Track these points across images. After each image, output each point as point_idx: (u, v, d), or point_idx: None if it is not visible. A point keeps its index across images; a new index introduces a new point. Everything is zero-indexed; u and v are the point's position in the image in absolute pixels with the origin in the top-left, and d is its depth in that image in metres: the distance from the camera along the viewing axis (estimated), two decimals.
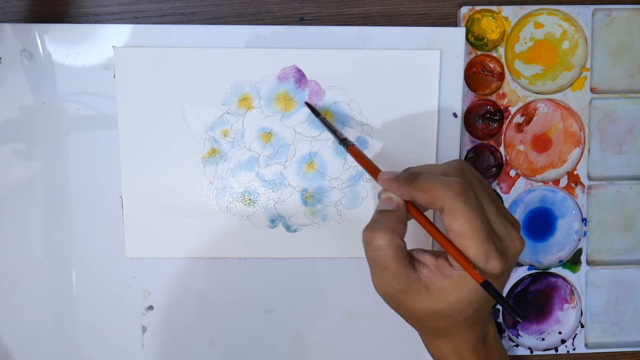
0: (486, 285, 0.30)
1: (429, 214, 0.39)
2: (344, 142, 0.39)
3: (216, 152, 0.43)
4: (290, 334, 0.45)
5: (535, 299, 0.47)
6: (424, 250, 0.34)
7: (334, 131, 0.40)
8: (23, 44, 0.41)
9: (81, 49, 0.42)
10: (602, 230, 0.47)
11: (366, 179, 0.44)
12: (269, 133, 0.43)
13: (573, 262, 0.46)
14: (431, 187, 0.32)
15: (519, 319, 0.30)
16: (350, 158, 0.43)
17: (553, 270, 0.46)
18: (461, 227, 0.31)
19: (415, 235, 0.38)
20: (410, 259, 0.34)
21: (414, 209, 0.34)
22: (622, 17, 0.45)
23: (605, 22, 0.45)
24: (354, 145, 0.39)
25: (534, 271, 0.46)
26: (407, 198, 0.34)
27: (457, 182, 0.31)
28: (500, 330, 0.46)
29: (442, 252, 0.34)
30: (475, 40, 0.44)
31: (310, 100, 0.43)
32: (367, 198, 0.44)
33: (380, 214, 0.34)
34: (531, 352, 0.47)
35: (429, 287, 0.33)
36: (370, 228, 0.33)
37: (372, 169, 0.37)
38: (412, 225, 0.34)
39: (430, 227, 0.33)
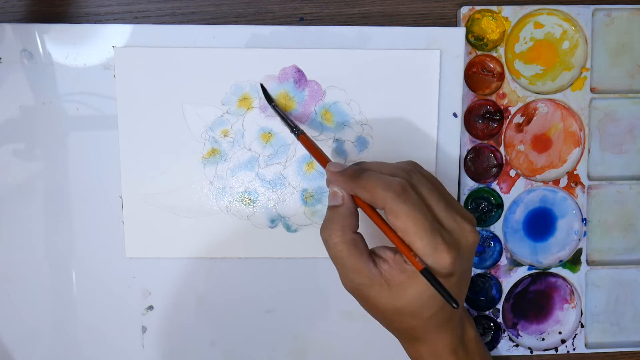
0: (425, 272, 0.31)
1: None
2: (295, 130, 0.40)
3: (216, 152, 0.43)
4: (290, 334, 0.45)
5: (535, 299, 0.47)
6: (386, 247, 0.35)
7: (285, 119, 0.41)
8: (23, 44, 0.41)
9: (81, 49, 0.42)
10: (602, 230, 0.47)
11: None
12: (269, 133, 0.43)
13: (573, 262, 0.46)
14: (373, 186, 0.33)
15: (454, 305, 0.31)
16: (350, 158, 0.43)
17: (553, 270, 0.46)
18: (403, 224, 0.32)
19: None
20: (372, 254, 0.34)
21: (360, 201, 0.35)
22: (622, 17, 0.45)
23: (605, 22, 0.45)
24: (304, 134, 0.39)
25: (534, 271, 0.46)
26: (351, 193, 0.35)
27: (397, 182, 0.32)
28: (500, 330, 0.46)
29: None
30: (475, 40, 0.44)
31: (310, 100, 0.43)
32: None
33: (330, 211, 0.35)
34: (531, 352, 0.47)
35: (389, 281, 0.33)
36: (323, 228, 0.35)
37: (322, 159, 0.37)
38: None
39: (377, 218, 0.34)
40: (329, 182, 0.36)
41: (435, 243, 0.32)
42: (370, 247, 0.35)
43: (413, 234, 0.32)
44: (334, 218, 0.34)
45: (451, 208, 0.34)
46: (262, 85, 0.42)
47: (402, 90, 0.43)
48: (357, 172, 0.34)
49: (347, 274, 0.34)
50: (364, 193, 0.33)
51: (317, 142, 0.40)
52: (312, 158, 0.40)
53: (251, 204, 0.43)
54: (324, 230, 0.35)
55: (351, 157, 0.43)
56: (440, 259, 0.32)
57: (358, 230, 0.35)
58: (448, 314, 0.35)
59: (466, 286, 0.36)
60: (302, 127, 0.42)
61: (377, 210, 0.34)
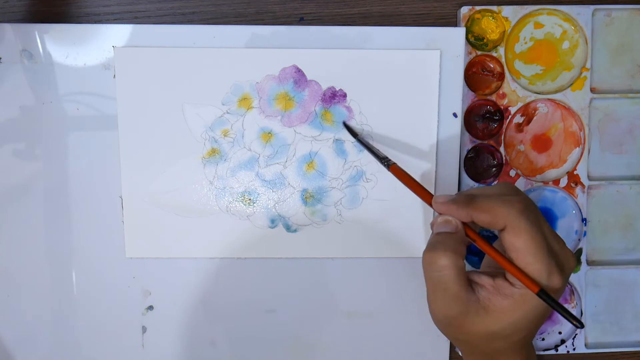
0: (543, 294, 0.30)
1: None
2: (384, 161, 0.39)
3: (216, 152, 0.43)
4: (290, 334, 0.45)
5: None
6: (480, 272, 0.34)
7: (373, 151, 0.40)
8: (23, 44, 0.41)
9: (81, 49, 0.42)
10: (602, 230, 0.47)
11: (366, 179, 0.44)
12: (269, 133, 0.43)
13: None
14: (492, 207, 0.32)
15: (578, 326, 0.30)
16: (350, 158, 0.43)
17: None
18: (524, 244, 0.31)
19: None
20: (468, 280, 0.33)
21: (471, 230, 0.34)
22: (622, 17, 0.45)
23: (605, 22, 0.45)
24: (395, 164, 0.38)
25: None
26: (465, 220, 0.33)
27: (518, 200, 0.32)
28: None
29: (499, 272, 0.33)
30: (475, 40, 0.44)
31: (310, 100, 0.43)
32: (367, 198, 0.44)
33: (440, 235, 0.34)
34: None
35: (488, 308, 0.32)
36: (432, 249, 0.33)
37: (420, 190, 0.36)
38: None
39: (488, 247, 0.33)
40: (437, 217, 0.35)
41: (550, 266, 0.31)
42: None
43: (532, 254, 0.31)
44: (447, 241, 0.33)
45: (552, 231, 0.34)
46: (344, 123, 0.42)
47: (402, 90, 0.43)
48: (470, 197, 0.33)
49: (445, 301, 0.33)
50: (483, 215, 0.32)
51: (317, 142, 0.39)
52: (313, 157, 0.40)
53: (251, 204, 0.43)
54: (434, 251, 0.33)
55: (351, 157, 0.43)
56: (553, 281, 0.31)
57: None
58: (531, 336, 0.35)
59: None
60: (302, 127, 0.42)
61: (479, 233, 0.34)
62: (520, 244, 0.31)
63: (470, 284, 0.33)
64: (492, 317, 0.32)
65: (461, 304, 0.33)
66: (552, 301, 0.30)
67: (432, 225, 0.35)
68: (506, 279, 0.33)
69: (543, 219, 0.33)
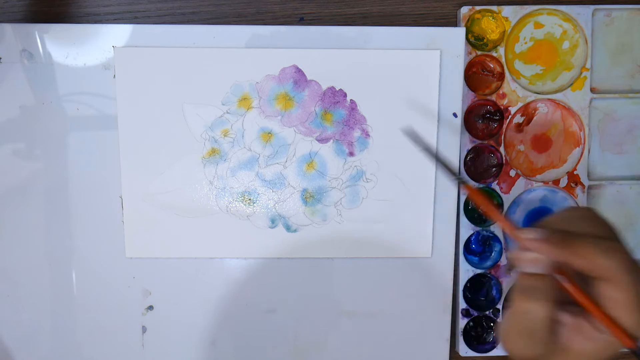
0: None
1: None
2: (457, 178, 0.35)
3: (216, 152, 0.43)
4: (290, 334, 0.45)
5: None
6: (559, 306, 0.31)
7: (445, 165, 0.35)
8: (23, 44, 0.41)
9: (81, 49, 0.42)
10: None
11: (366, 179, 0.44)
12: (269, 133, 0.43)
13: None
14: (592, 254, 0.29)
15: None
16: (350, 157, 0.43)
17: None
18: (625, 297, 0.29)
19: None
20: None
21: (567, 275, 0.30)
22: (622, 17, 0.45)
23: (605, 22, 0.45)
24: (466, 184, 0.34)
25: None
26: (558, 260, 0.30)
27: (619, 249, 0.29)
28: None
29: (577, 310, 0.31)
30: (475, 40, 0.44)
31: (310, 100, 0.43)
32: (367, 198, 0.44)
33: (533, 279, 0.30)
34: None
35: (568, 349, 0.30)
36: (527, 295, 0.29)
37: (503, 221, 0.33)
38: None
39: (582, 295, 0.30)
40: (521, 252, 0.31)
41: None
42: None
43: (632, 310, 0.28)
44: (542, 287, 0.29)
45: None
46: (406, 131, 0.38)
47: (402, 90, 0.43)
48: (566, 237, 0.30)
49: (528, 344, 0.30)
50: (579, 260, 0.29)
51: (317, 142, 0.39)
52: (313, 157, 0.38)
53: (251, 204, 0.43)
54: (529, 300, 0.29)
55: (351, 157, 0.43)
56: None
57: None
58: None
59: None
60: (302, 127, 0.42)
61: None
62: (620, 298, 0.29)
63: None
64: (569, 357, 0.30)
65: (543, 347, 0.30)
66: None
67: (513, 259, 0.31)
68: (588, 321, 0.30)
69: (630, 251, 0.31)
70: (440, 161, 0.35)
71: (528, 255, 0.30)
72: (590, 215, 0.32)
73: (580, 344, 0.30)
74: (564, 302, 0.31)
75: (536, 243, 0.30)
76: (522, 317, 0.30)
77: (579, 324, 0.30)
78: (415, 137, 0.37)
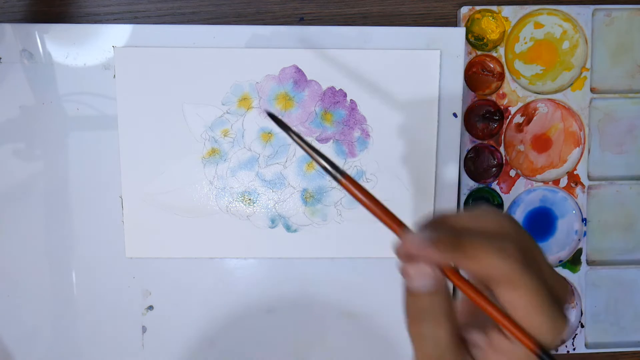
0: (545, 354, 0.26)
1: None
2: (335, 171, 0.29)
3: (216, 152, 0.43)
4: (290, 334, 0.45)
5: None
6: (469, 326, 0.29)
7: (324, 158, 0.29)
8: (23, 44, 0.41)
9: (81, 49, 0.42)
10: (602, 230, 0.47)
11: (366, 179, 0.44)
12: (269, 133, 0.43)
13: (573, 262, 0.46)
14: (484, 256, 0.25)
15: None
16: (350, 157, 0.43)
17: None
18: (525, 299, 0.25)
19: None
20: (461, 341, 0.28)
21: (458, 276, 0.27)
22: (622, 17, 0.45)
23: (605, 22, 0.45)
24: (347, 175, 0.29)
25: None
26: (447, 264, 0.26)
27: (514, 248, 0.26)
28: None
29: (488, 324, 0.28)
30: (475, 40, 0.44)
31: (310, 100, 0.43)
32: None
33: (425, 300, 0.27)
34: None
35: None
36: (420, 321, 0.27)
37: (388, 219, 0.29)
38: None
39: (479, 297, 0.26)
40: (407, 266, 0.27)
41: (554, 315, 0.26)
42: None
43: (536, 312, 0.26)
44: (435, 309, 0.26)
45: (551, 266, 0.28)
46: (269, 113, 0.30)
47: (402, 90, 0.43)
48: (456, 239, 0.26)
49: None
50: (472, 264, 0.25)
51: (317, 143, 0.39)
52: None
53: (251, 204, 0.43)
54: (421, 325, 0.26)
55: (351, 157, 0.43)
56: (557, 329, 0.26)
57: None
58: None
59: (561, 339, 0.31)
60: (303, 127, 0.42)
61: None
62: (519, 300, 0.26)
63: (463, 343, 0.28)
64: None
65: None
66: (549, 357, 0.26)
67: (397, 253, 0.28)
68: (501, 332, 0.27)
69: (540, 253, 0.28)
70: (305, 148, 0.28)
71: (413, 270, 0.27)
72: (490, 213, 0.28)
73: (496, 359, 0.27)
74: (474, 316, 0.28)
75: (423, 250, 0.26)
76: (423, 345, 0.27)
77: (493, 340, 0.27)
78: (281, 124, 0.29)
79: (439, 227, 0.28)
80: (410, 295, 0.27)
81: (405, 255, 0.27)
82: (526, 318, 0.26)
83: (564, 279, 0.29)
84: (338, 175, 0.29)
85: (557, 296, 0.26)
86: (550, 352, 0.26)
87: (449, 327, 0.26)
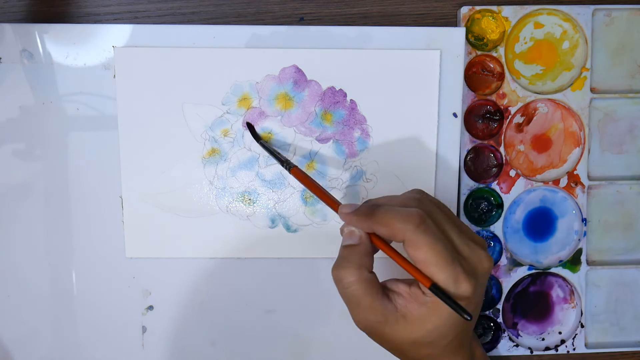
0: (435, 288, 0.31)
1: None
2: (285, 164, 0.39)
3: (216, 152, 0.43)
4: (290, 334, 0.45)
5: (535, 299, 0.47)
6: (397, 280, 0.34)
7: (274, 154, 0.40)
8: (23, 44, 0.41)
9: (81, 49, 0.42)
10: (602, 230, 0.47)
11: (366, 179, 0.44)
12: (269, 133, 0.43)
13: (573, 262, 0.46)
14: (390, 220, 0.32)
15: (467, 318, 0.30)
16: (351, 158, 0.43)
17: (553, 270, 0.46)
18: (424, 255, 0.31)
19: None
20: (385, 289, 0.34)
21: (377, 239, 0.34)
22: (622, 17, 0.45)
23: (605, 22, 0.45)
24: (297, 167, 0.39)
25: (534, 271, 0.46)
26: (368, 231, 0.34)
27: (415, 213, 0.32)
28: (500, 330, 0.46)
29: (415, 280, 0.33)
30: (475, 40, 0.44)
31: (310, 100, 0.43)
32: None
33: (345, 249, 0.34)
34: (531, 352, 0.47)
35: (406, 315, 0.33)
36: (337, 266, 0.34)
37: (325, 197, 0.37)
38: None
39: (394, 254, 0.33)
40: (344, 226, 0.35)
41: (456, 274, 0.31)
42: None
43: (434, 264, 0.31)
44: (350, 257, 0.33)
45: (464, 234, 0.34)
46: (248, 124, 0.42)
47: (402, 90, 0.43)
48: (371, 209, 0.33)
49: (361, 313, 0.34)
50: (382, 228, 0.33)
51: (317, 142, 0.39)
52: (314, 157, 0.39)
53: (251, 204, 0.43)
54: (339, 269, 0.33)
55: (351, 157, 0.43)
56: (461, 288, 0.32)
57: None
58: (463, 338, 0.35)
59: (479, 308, 0.35)
60: (302, 127, 0.42)
61: (393, 244, 0.34)
62: (421, 257, 0.31)
63: (387, 292, 0.33)
64: (410, 325, 0.33)
65: (377, 314, 0.33)
66: (442, 294, 0.31)
67: (341, 231, 0.36)
68: (419, 287, 0.33)
69: (453, 223, 0.34)
70: (270, 151, 0.40)
71: (345, 229, 0.35)
72: (412, 191, 0.36)
73: (415, 309, 0.33)
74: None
75: (347, 217, 0.34)
76: (338, 285, 0.34)
77: (413, 291, 0.33)
78: (252, 130, 0.42)
79: (365, 203, 0.35)
80: (340, 248, 0.34)
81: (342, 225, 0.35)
82: (427, 270, 0.31)
83: (482, 252, 0.34)
84: (287, 167, 0.39)
85: (465, 262, 0.32)
86: (440, 288, 0.31)
87: (356, 274, 0.33)
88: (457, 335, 0.34)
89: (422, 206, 0.33)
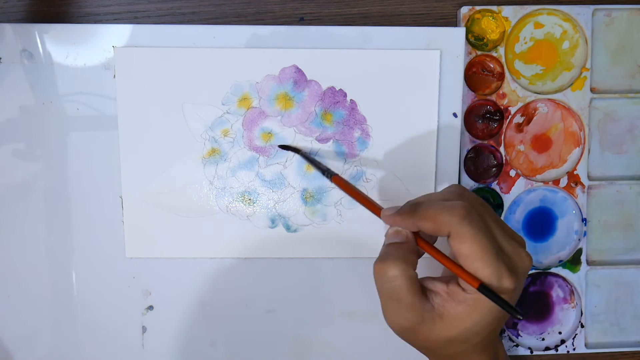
0: (483, 288, 0.30)
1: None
2: (326, 173, 0.39)
3: (216, 152, 0.43)
4: (290, 334, 0.45)
5: (535, 299, 0.47)
6: (433, 278, 0.34)
7: (316, 164, 0.41)
8: (23, 44, 0.41)
9: (81, 49, 0.42)
10: (602, 230, 0.47)
11: (366, 179, 0.44)
12: (269, 133, 0.43)
13: (573, 262, 0.46)
14: (435, 214, 0.32)
15: (519, 317, 0.30)
16: (350, 158, 0.43)
17: (553, 270, 0.46)
18: (469, 249, 0.31)
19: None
20: (422, 288, 0.33)
21: (421, 240, 0.34)
22: (622, 17, 0.45)
23: (605, 22, 0.45)
24: (338, 175, 0.39)
25: (534, 271, 0.46)
26: (412, 229, 0.33)
27: (460, 206, 0.31)
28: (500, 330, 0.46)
29: (452, 278, 0.33)
30: (475, 40, 0.44)
31: (310, 100, 0.43)
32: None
33: (390, 246, 0.33)
34: (531, 352, 0.47)
35: (443, 315, 0.32)
36: (382, 260, 0.33)
37: (368, 203, 0.36)
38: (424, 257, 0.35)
39: (440, 255, 0.33)
40: (389, 229, 0.35)
41: (500, 270, 0.31)
42: None
43: (479, 259, 0.31)
44: (396, 252, 0.33)
45: (505, 232, 0.33)
46: (281, 146, 0.43)
47: (402, 90, 0.43)
48: (414, 207, 0.33)
49: (399, 312, 0.33)
50: (427, 223, 0.32)
51: (317, 142, 0.39)
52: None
53: (251, 204, 0.43)
54: (384, 262, 0.32)
55: (351, 157, 0.43)
56: (504, 284, 0.31)
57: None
58: (492, 337, 0.35)
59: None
60: (302, 127, 0.42)
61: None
62: (466, 251, 0.31)
63: (424, 291, 0.33)
64: (447, 324, 0.32)
65: (416, 314, 0.32)
66: (493, 295, 0.30)
67: (386, 236, 0.35)
68: (459, 285, 0.32)
69: (494, 219, 0.33)
70: (311, 161, 0.41)
71: (390, 230, 0.34)
72: (451, 187, 0.36)
73: (452, 308, 0.32)
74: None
75: (391, 218, 0.34)
76: (380, 280, 0.33)
77: (451, 290, 0.32)
78: (288, 148, 0.43)
79: (406, 203, 0.35)
80: (383, 247, 0.34)
81: (387, 225, 0.35)
82: (471, 265, 0.31)
83: (523, 250, 0.34)
84: (329, 176, 0.39)
85: (508, 258, 0.32)
86: (489, 288, 0.30)
87: (401, 269, 0.32)
88: (489, 334, 0.33)
89: (465, 199, 0.33)
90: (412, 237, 0.34)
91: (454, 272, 0.32)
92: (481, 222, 0.32)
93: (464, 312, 0.32)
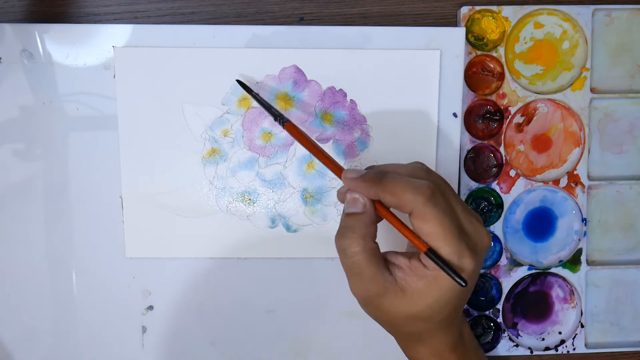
0: (430, 252, 0.31)
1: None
2: (279, 118, 0.39)
3: (216, 152, 0.43)
4: (290, 334, 0.45)
5: (535, 299, 0.47)
6: (397, 252, 0.34)
7: (268, 108, 0.40)
8: (23, 44, 0.41)
9: (81, 49, 0.42)
10: (602, 230, 0.47)
11: None
12: (269, 133, 0.43)
13: (573, 262, 0.46)
14: (400, 191, 0.32)
15: (463, 285, 0.31)
16: (350, 157, 0.43)
17: (553, 270, 0.46)
18: (432, 229, 0.31)
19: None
20: (384, 261, 0.34)
21: (381, 207, 0.34)
22: (622, 17, 0.45)
23: (605, 22, 0.45)
24: (290, 122, 0.38)
25: (534, 271, 0.46)
26: (373, 198, 0.33)
27: (426, 186, 0.32)
28: (500, 330, 0.46)
29: (415, 253, 0.34)
30: (475, 40, 0.44)
31: (310, 100, 0.43)
32: None
33: (349, 218, 0.33)
34: (531, 352, 0.47)
35: (405, 289, 0.33)
36: (341, 235, 0.33)
37: (326, 159, 0.36)
38: (386, 226, 0.35)
39: (398, 223, 0.33)
40: (345, 192, 0.35)
41: (461, 249, 0.32)
42: None
43: (441, 239, 0.31)
44: (354, 225, 0.33)
45: (466, 211, 0.34)
46: (238, 81, 0.41)
47: (402, 90, 0.43)
48: (379, 176, 0.33)
49: (361, 284, 0.33)
50: (390, 197, 0.32)
51: (318, 143, 0.39)
52: (313, 158, 0.39)
53: (251, 204, 0.43)
54: (343, 238, 0.33)
55: (351, 157, 0.43)
56: (464, 263, 0.32)
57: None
58: (455, 314, 0.35)
59: (474, 284, 0.36)
60: (303, 126, 0.42)
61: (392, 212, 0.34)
62: (429, 229, 0.31)
63: (387, 264, 0.33)
64: (409, 298, 0.33)
65: (377, 285, 0.33)
66: (438, 259, 0.31)
67: (338, 194, 0.35)
68: (420, 261, 0.33)
69: (456, 199, 0.34)
70: (263, 105, 0.40)
71: (348, 196, 0.34)
72: (416, 163, 0.35)
73: (414, 282, 0.33)
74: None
75: (353, 182, 0.33)
76: (342, 255, 0.33)
77: (413, 265, 0.33)
78: (243, 85, 0.41)
79: (371, 168, 0.34)
80: (343, 216, 0.34)
81: (342, 189, 0.35)
82: (433, 243, 0.32)
83: (483, 229, 0.34)
84: (281, 122, 0.38)
85: (468, 238, 0.32)
86: (436, 253, 0.31)
87: (361, 244, 0.32)
88: (451, 312, 0.34)
89: (430, 179, 0.33)
90: (370, 207, 0.33)
91: (409, 239, 0.32)
92: (444, 203, 0.32)
93: (424, 287, 0.32)
